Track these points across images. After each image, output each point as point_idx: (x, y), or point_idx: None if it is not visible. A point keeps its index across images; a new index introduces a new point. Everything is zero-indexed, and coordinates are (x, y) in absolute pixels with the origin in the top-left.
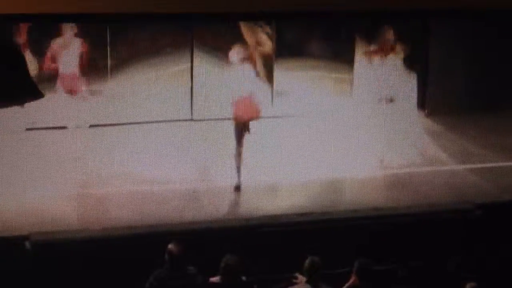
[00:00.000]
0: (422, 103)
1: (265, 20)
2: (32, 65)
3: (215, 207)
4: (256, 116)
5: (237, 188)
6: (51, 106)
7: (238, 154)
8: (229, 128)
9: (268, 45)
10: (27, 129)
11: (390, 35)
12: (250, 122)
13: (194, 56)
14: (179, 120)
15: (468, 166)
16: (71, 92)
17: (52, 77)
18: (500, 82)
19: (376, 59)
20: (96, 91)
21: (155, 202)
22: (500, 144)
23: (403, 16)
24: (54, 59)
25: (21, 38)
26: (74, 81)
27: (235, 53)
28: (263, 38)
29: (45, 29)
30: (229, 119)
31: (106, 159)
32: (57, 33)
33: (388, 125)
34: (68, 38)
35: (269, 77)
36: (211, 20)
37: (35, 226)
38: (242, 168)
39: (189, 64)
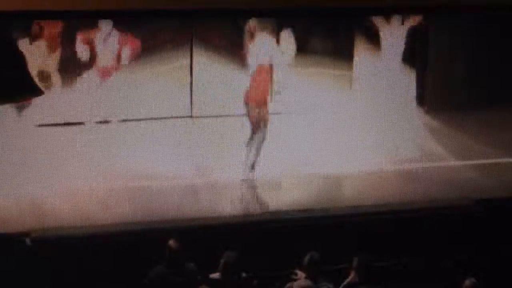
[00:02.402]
0: (421, 100)
1: (265, 17)
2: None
3: (214, 203)
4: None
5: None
6: (50, 103)
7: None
8: (228, 124)
9: None
10: (27, 126)
11: None
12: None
13: (194, 52)
14: (179, 117)
15: (468, 162)
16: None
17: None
18: (500, 78)
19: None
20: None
21: (155, 199)
22: (500, 140)
23: (403, 12)
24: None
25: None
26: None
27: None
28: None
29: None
30: (227, 116)
31: (106, 155)
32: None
33: (387, 121)
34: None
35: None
36: (211, 17)
37: (35, 223)
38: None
39: (189, 61)
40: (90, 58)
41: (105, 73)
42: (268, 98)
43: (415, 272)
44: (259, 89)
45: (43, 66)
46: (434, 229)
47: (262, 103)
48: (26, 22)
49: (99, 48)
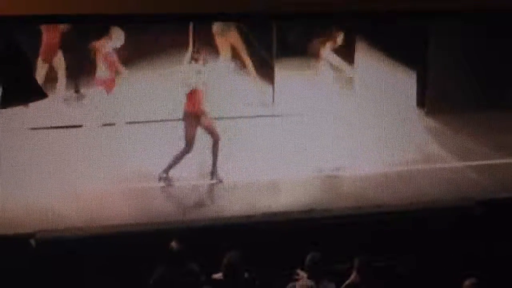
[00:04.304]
0: (421, 101)
1: (265, 20)
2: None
3: (216, 204)
4: (197, 109)
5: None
6: (55, 105)
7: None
8: (228, 126)
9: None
10: (32, 128)
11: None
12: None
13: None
14: (179, 120)
15: (468, 163)
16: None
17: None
18: (499, 80)
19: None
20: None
21: (157, 200)
22: (500, 141)
23: (404, 16)
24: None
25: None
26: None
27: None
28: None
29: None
30: (227, 118)
31: (109, 157)
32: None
33: (388, 123)
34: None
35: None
36: (210, 21)
37: (39, 224)
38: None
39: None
40: (91, 62)
41: (105, 78)
42: (203, 107)
43: (416, 272)
44: (194, 103)
45: (46, 70)
46: (435, 230)
47: (200, 114)
48: (29, 27)
49: (100, 53)
